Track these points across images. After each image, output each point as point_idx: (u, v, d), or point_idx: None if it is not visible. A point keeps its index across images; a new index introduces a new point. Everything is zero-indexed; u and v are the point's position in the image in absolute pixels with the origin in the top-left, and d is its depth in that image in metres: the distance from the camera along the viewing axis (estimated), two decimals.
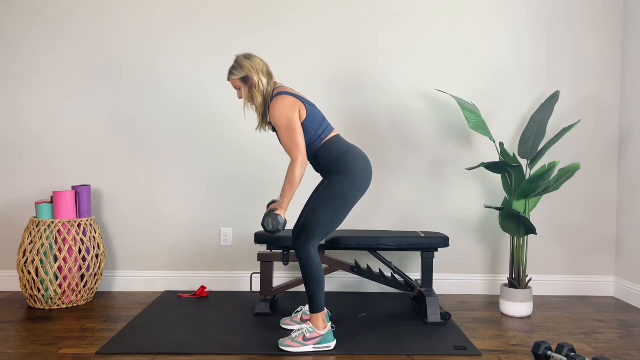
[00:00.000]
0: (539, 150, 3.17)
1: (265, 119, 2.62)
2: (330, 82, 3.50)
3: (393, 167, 3.55)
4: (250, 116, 2.88)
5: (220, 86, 3.41)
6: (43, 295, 3.10)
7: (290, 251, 3.03)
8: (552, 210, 3.55)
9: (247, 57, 2.58)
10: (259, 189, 3.53)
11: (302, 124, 2.50)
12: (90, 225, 3.25)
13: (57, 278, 3.10)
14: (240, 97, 2.62)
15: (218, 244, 3.57)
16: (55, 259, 3.10)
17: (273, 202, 2.78)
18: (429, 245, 3.04)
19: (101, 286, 3.52)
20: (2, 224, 3.53)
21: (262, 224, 2.41)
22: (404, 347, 2.52)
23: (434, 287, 3.25)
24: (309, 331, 2.48)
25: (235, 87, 2.62)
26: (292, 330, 2.69)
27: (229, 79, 2.61)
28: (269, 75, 2.59)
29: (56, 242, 3.09)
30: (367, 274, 3.09)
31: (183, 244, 3.56)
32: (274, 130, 2.58)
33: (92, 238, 3.23)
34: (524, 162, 3.35)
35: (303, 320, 2.78)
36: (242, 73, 2.55)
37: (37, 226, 3.11)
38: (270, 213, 2.42)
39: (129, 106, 3.52)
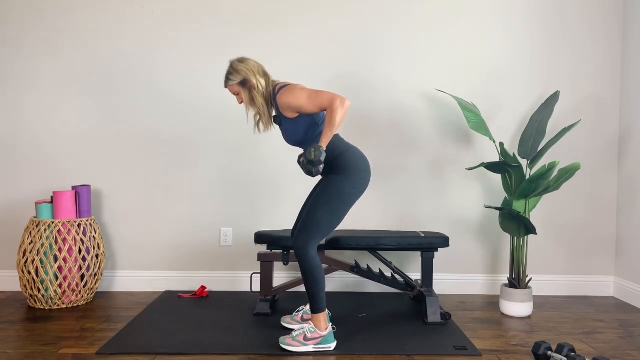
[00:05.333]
0: (539, 150, 3.17)
1: (271, 117, 2.60)
2: (330, 82, 3.50)
3: (393, 167, 3.55)
4: (250, 118, 2.86)
5: (220, 87, 3.41)
6: (43, 295, 3.10)
7: (290, 251, 3.03)
8: (552, 210, 3.55)
9: (241, 60, 2.56)
10: (259, 189, 3.54)
11: (312, 115, 2.49)
12: (90, 225, 3.25)
13: (57, 278, 3.09)
14: (240, 102, 2.60)
15: (218, 244, 3.57)
16: (55, 259, 3.09)
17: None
18: (429, 245, 3.04)
19: (101, 286, 3.52)
20: (2, 224, 3.53)
21: (305, 154, 2.33)
22: (404, 347, 2.52)
23: (434, 287, 3.25)
24: (310, 331, 2.48)
25: (233, 93, 2.60)
26: (293, 329, 2.69)
27: (226, 86, 2.59)
28: (266, 75, 2.58)
29: (56, 242, 3.09)
30: (367, 274, 3.09)
31: (183, 244, 3.56)
32: (280, 124, 2.58)
33: (92, 238, 3.23)
34: (524, 162, 3.35)
35: (304, 320, 2.78)
36: (239, 77, 2.53)
37: (37, 226, 3.11)
38: (313, 144, 2.38)
39: (129, 106, 3.52)
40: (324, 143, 2.37)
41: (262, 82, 2.54)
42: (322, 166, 2.36)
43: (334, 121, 2.34)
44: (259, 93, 2.54)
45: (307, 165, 2.35)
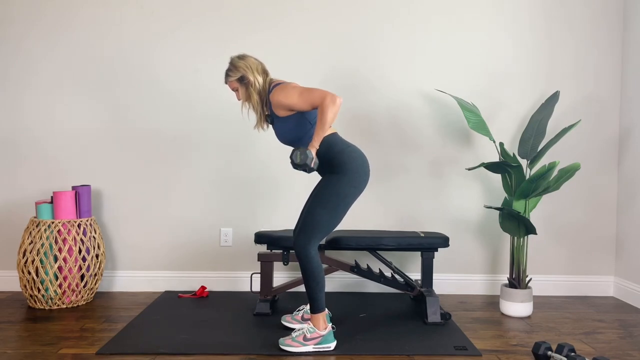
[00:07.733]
0: (539, 150, 3.17)
1: (263, 117, 2.62)
2: (330, 82, 3.50)
3: (393, 167, 3.55)
4: (250, 116, 2.88)
5: (220, 86, 3.41)
6: (43, 295, 3.10)
7: (290, 251, 3.03)
8: (552, 210, 3.55)
9: (241, 57, 2.59)
10: (259, 189, 3.54)
11: (303, 114, 2.50)
12: (90, 225, 3.25)
13: (57, 278, 3.10)
14: (239, 99, 2.62)
15: (218, 244, 3.57)
16: (55, 259, 3.09)
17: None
18: (429, 245, 3.04)
19: (101, 286, 3.52)
20: (2, 224, 3.53)
21: (290, 157, 2.35)
22: (404, 347, 2.52)
23: (434, 287, 3.25)
24: (310, 331, 2.48)
25: (232, 89, 2.62)
26: (292, 328, 2.69)
27: (226, 82, 2.62)
28: (265, 73, 2.59)
29: (56, 242, 3.09)
30: (367, 274, 3.09)
31: (183, 244, 3.56)
32: (272, 122, 2.59)
33: (92, 238, 3.23)
34: (524, 162, 3.35)
35: (304, 319, 2.78)
36: (237, 74, 2.56)
37: (37, 226, 3.11)
38: (300, 147, 2.37)
39: (129, 106, 3.52)
40: (317, 141, 2.40)
41: (260, 79, 2.55)
42: (314, 163, 2.36)
43: (325, 119, 2.36)
44: (255, 90, 2.55)
45: (295, 167, 2.37)
